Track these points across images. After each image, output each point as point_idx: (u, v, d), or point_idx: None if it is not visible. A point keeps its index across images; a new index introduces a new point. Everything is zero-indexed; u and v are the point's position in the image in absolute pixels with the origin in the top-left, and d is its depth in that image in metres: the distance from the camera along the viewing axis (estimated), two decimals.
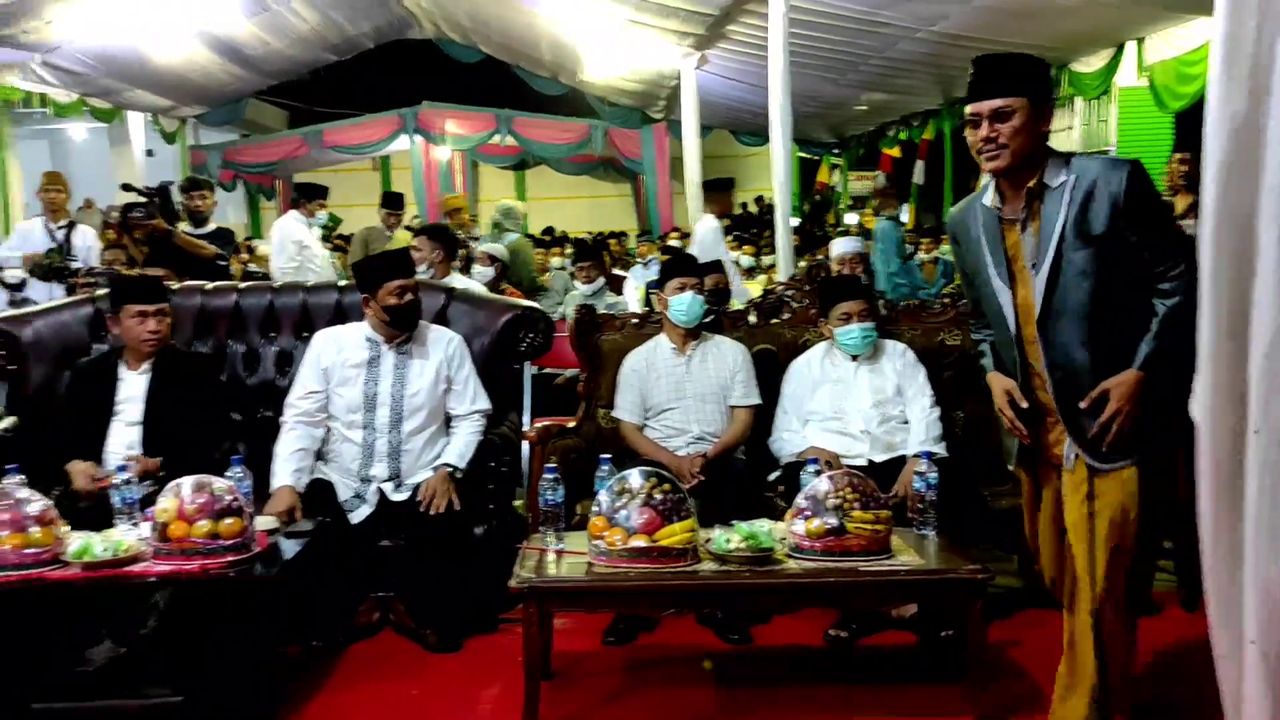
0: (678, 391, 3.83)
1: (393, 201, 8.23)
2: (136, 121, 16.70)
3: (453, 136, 16.03)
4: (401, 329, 3.66)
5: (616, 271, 9.01)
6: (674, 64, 11.61)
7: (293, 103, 18.12)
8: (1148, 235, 2.37)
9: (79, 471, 3.42)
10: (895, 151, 13.65)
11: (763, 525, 2.90)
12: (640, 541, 2.78)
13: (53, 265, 6.10)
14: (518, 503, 4.10)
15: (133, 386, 3.63)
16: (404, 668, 3.32)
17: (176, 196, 6.70)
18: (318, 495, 3.49)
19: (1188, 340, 1.92)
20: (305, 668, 3.27)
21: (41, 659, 2.84)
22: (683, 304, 3.85)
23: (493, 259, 6.84)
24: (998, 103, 2.39)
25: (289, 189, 17.97)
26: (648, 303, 4.75)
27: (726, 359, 3.88)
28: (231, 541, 2.79)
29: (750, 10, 8.60)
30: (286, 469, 3.50)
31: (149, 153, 17.88)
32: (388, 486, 3.56)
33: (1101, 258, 2.37)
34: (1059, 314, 2.43)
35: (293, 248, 7.32)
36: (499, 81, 16.78)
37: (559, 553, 2.95)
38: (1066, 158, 2.46)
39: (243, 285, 4.36)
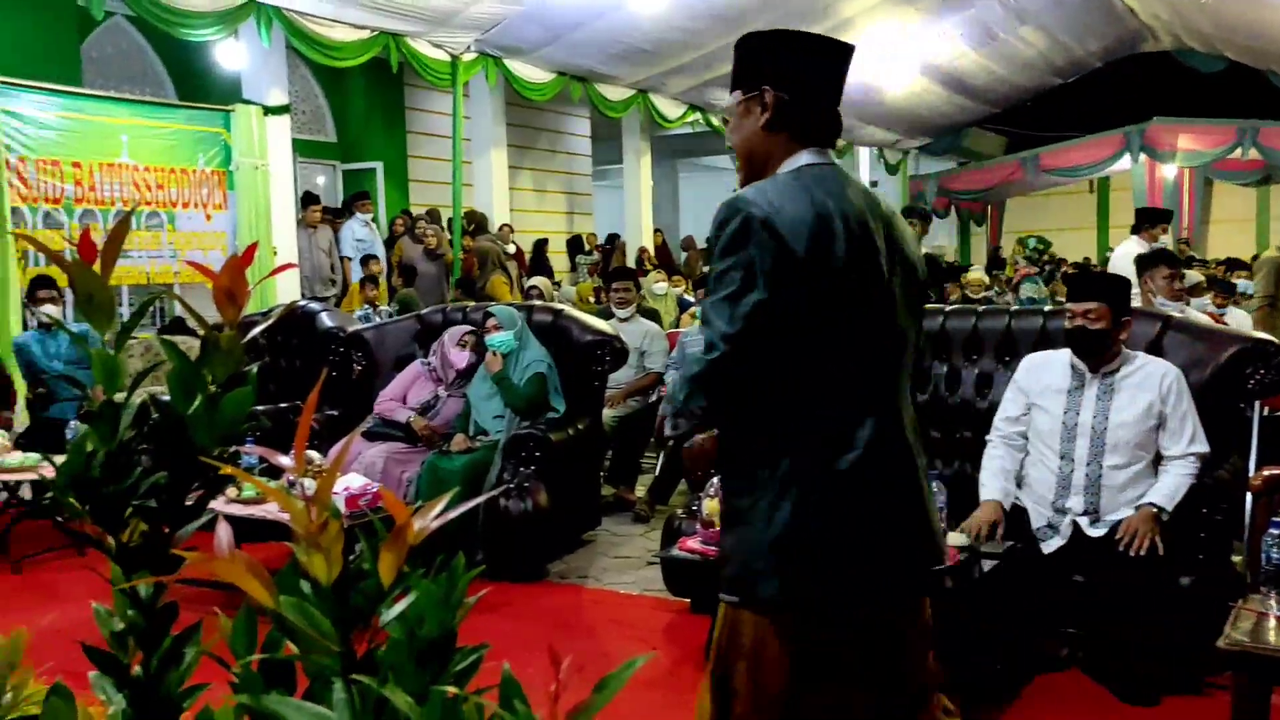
0: None
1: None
2: (864, 156, 18.09)
3: (1184, 153, 14.74)
4: (1080, 355, 3.51)
5: None
6: None
7: (1010, 129, 18.18)
8: None
9: None
10: None
11: None
12: None
13: None
14: (1236, 558, 3.67)
15: None
16: (1089, 712, 3.18)
17: None
18: (1011, 520, 3.50)
19: None
20: (988, 688, 3.30)
21: None
22: None
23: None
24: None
25: (998, 214, 18.06)
26: None
27: None
28: None
29: None
30: (995, 484, 3.54)
31: (873, 184, 19.29)
32: (1083, 520, 3.43)
33: None
34: None
35: None
36: (1242, 90, 15.03)
37: None
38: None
39: (948, 308, 4.53)
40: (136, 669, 0.86)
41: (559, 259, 14.24)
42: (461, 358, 5.16)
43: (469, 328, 5.27)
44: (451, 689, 0.71)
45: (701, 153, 20.75)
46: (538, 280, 9.39)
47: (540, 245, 13.47)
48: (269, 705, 0.72)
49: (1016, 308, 5.29)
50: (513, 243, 11.64)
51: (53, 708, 0.92)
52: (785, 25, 2.12)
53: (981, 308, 4.79)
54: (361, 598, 0.75)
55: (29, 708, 1.02)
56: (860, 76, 13.42)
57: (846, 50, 1.97)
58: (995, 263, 15.35)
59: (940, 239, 17.03)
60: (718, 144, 18.25)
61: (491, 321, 5.03)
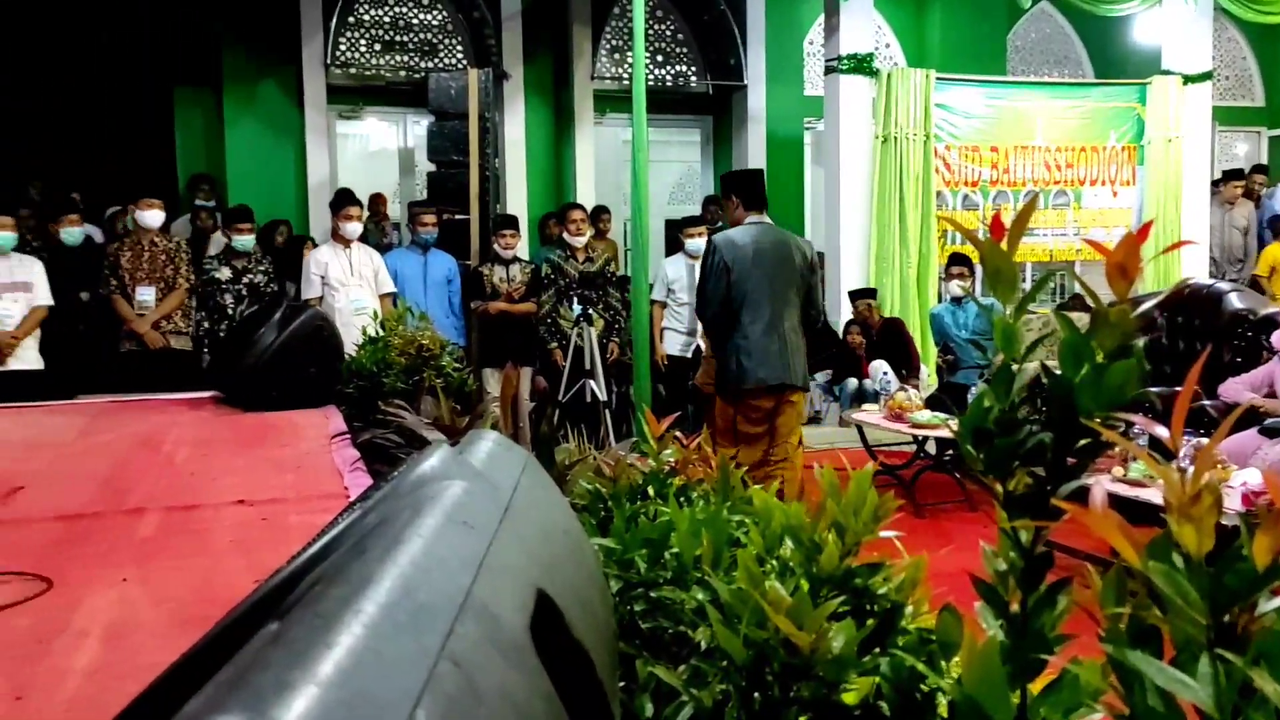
0: None
1: None
2: None
3: None
4: None
5: None
6: None
7: None
8: None
9: None
10: None
11: None
12: None
13: None
14: None
15: None
16: None
17: None
18: None
19: None
20: None
21: None
22: None
23: None
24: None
25: None
26: None
27: None
28: None
29: None
30: None
31: None
32: None
33: None
34: None
35: None
36: None
37: None
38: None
39: None
40: (1014, 606, 0.96)
41: None
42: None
43: None
44: None
45: None
46: None
47: None
48: (1135, 662, 0.76)
49: None
50: None
51: (943, 621, 1.08)
52: None
53: None
54: (1237, 579, 0.74)
55: (924, 620, 1.21)
56: None
57: (759, 173, 5.12)
58: None
59: None
60: None
61: None
